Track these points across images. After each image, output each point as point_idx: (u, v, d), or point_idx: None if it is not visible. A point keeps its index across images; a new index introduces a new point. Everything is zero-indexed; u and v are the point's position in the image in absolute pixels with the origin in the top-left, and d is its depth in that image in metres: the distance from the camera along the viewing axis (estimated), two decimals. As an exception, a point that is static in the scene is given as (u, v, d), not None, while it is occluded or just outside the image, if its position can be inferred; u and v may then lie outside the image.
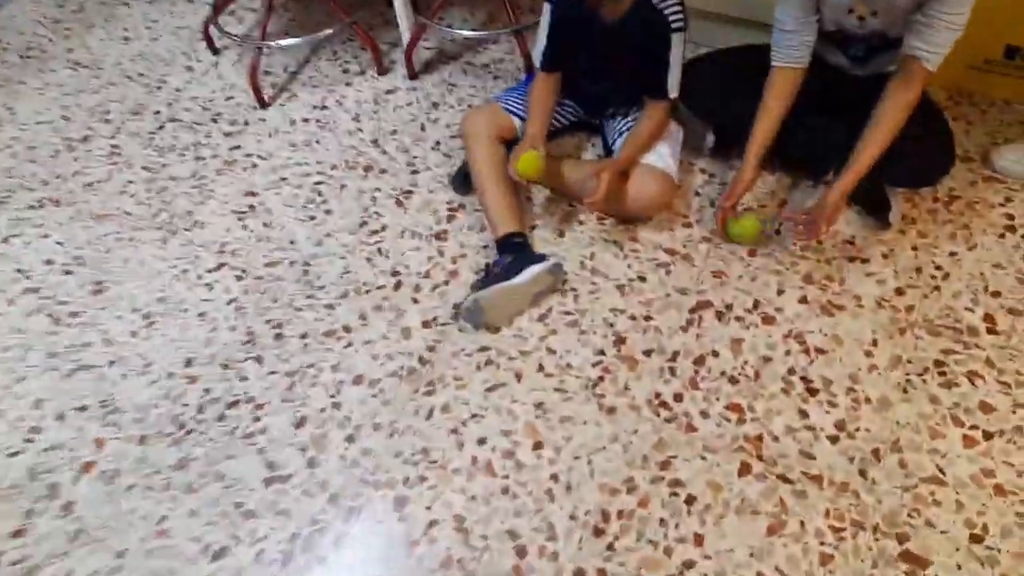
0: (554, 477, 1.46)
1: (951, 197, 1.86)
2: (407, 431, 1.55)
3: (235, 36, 2.27)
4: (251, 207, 2.02)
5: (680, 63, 1.73)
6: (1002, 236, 1.77)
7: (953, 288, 1.69)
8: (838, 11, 1.58)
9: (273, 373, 1.66)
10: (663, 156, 1.81)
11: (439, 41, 2.49)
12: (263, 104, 2.30)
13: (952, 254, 1.75)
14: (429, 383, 1.62)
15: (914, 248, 1.77)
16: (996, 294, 1.67)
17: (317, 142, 2.18)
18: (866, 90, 1.73)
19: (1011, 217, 1.81)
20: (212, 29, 2.48)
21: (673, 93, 1.77)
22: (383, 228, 1.93)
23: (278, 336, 1.73)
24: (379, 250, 1.88)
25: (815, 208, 1.64)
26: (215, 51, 2.52)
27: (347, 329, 1.73)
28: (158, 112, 2.31)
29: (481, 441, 1.52)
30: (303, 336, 1.72)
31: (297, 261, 1.88)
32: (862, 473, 1.43)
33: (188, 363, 1.68)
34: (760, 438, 1.49)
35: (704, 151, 2.01)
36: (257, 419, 1.58)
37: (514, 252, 1.73)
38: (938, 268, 1.72)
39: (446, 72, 2.37)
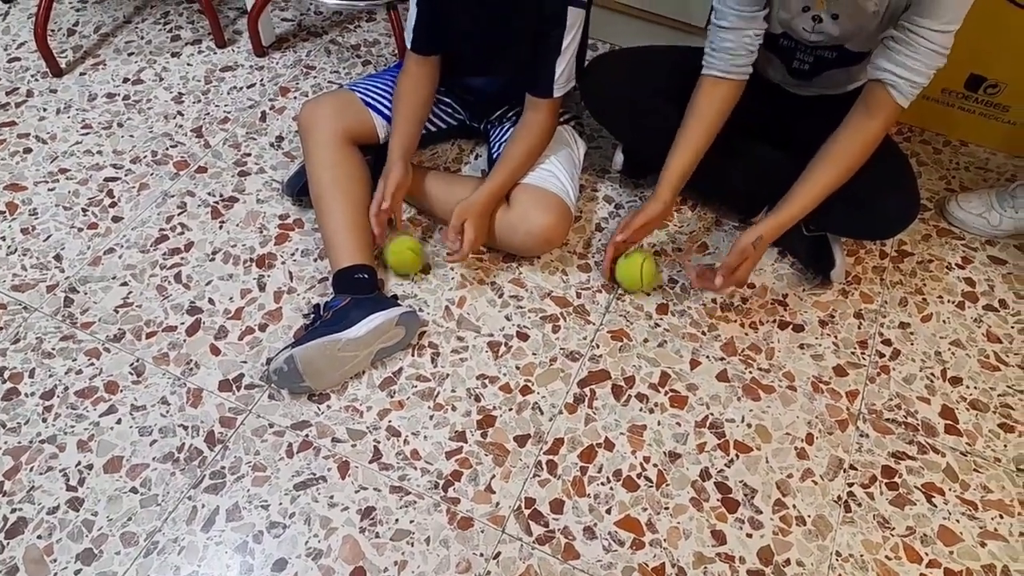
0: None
1: (901, 253, 1.53)
2: (171, 548, 1.08)
3: (30, -19, 1.76)
4: (10, 206, 1.50)
5: (575, 51, 1.33)
6: (960, 306, 1.44)
7: (905, 371, 1.35)
8: (792, 7, 1.22)
9: (-8, 449, 1.17)
10: (557, 178, 1.40)
11: (301, 12, 2.01)
12: (57, 71, 1.77)
13: (903, 326, 1.41)
14: (216, 474, 1.16)
15: (858, 315, 1.42)
16: (956, 381, 1.34)
17: (120, 125, 1.67)
18: (807, 115, 1.40)
19: (971, 283, 1.49)
20: (3, -30, 1.94)
21: (559, 90, 1.35)
22: (188, 246, 1.45)
23: (9, 394, 1.23)
24: (177, 276, 1.40)
25: (730, 253, 1.26)
26: (6, -1, 1.97)
27: (112, 388, 1.25)
28: (-91, 70, 1.75)
29: (278, 566, 1.08)
30: (47, 395, 1.23)
31: (60, 285, 1.38)
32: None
33: None
34: (661, 571, 1.10)
35: (612, 173, 1.62)
36: (-49, 521, 1.09)
37: (354, 293, 1.29)
38: (886, 343, 1.38)
39: (304, 51, 1.90)
